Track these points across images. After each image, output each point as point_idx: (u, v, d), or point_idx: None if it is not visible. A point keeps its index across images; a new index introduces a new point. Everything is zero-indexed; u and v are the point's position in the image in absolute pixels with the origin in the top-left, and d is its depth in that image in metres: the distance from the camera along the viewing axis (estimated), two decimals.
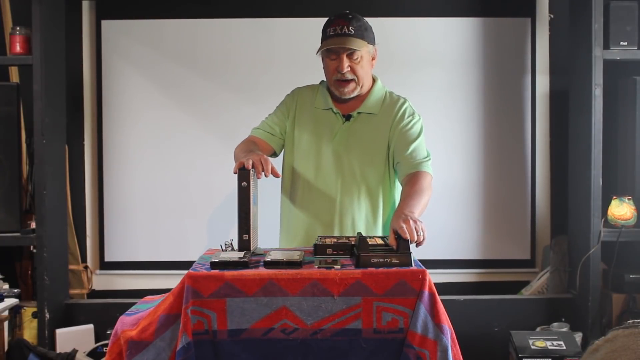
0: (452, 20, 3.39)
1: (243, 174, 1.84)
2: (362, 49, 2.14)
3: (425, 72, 3.38)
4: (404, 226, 1.73)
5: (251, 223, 1.83)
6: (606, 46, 2.98)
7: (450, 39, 3.39)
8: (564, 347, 2.70)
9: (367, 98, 2.23)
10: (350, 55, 2.13)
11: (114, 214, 3.39)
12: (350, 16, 2.16)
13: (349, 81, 2.15)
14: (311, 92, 2.30)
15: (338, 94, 2.19)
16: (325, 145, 2.21)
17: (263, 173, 1.88)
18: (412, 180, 2.10)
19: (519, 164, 3.40)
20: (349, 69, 2.13)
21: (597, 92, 2.97)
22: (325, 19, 2.17)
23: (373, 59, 2.23)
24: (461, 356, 1.63)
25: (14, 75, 3.27)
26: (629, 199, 2.97)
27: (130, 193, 3.39)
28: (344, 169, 2.20)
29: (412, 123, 2.21)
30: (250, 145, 2.16)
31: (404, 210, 1.90)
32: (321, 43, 2.18)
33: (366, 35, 2.17)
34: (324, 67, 2.23)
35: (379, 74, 3.32)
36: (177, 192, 3.38)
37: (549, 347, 2.70)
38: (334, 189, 2.20)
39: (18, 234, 2.95)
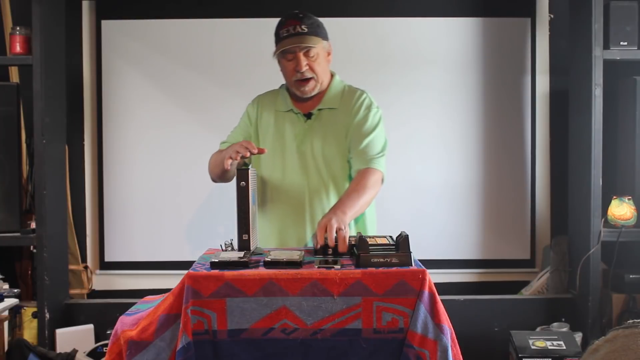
0: (452, 20, 3.39)
1: (242, 173, 1.84)
2: (318, 46, 2.15)
3: (425, 72, 3.38)
4: (326, 232, 1.79)
5: (250, 223, 1.83)
6: (606, 46, 2.98)
7: (450, 39, 3.39)
8: (564, 347, 2.70)
9: (326, 94, 2.24)
10: (306, 54, 2.14)
11: (114, 214, 3.39)
12: (301, 15, 2.17)
13: (308, 80, 2.16)
14: (272, 96, 2.32)
15: (299, 94, 2.20)
16: (289, 146, 2.22)
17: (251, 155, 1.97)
18: (358, 178, 2.10)
19: (519, 164, 3.40)
20: (307, 67, 2.14)
21: (597, 92, 2.96)
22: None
23: (329, 54, 2.24)
24: (461, 356, 1.63)
25: (14, 75, 3.27)
26: (629, 199, 2.97)
27: (130, 193, 3.39)
28: (309, 168, 2.20)
29: (368, 116, 2.20)
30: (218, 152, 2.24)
31: (337, 210, 1.93)
32: (275, 46, 2.19)
33: (319, 31, 2.18)
34: (281, 70, 2.23)
35: (379, 74, 3.36)
36: (177, 192, 3.38)
37: (549, 347, 2.70)
38: (302, 189, 2.20)
39: (18, 234, 2.95)
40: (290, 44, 2.12)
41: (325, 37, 2.21)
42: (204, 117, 3.38)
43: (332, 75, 2.28)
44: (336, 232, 1.78)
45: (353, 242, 1.81)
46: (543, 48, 3.41)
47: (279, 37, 2.18)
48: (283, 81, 2.41)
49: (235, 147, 1.97)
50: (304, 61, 2.14)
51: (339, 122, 2.21)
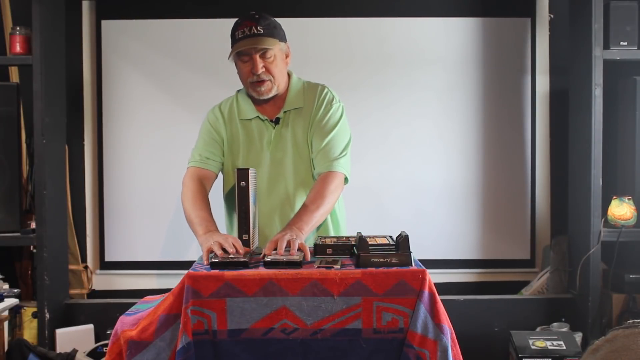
0: (452, 20, 3.39)
1: (242, 173, 1.84)
2: (274, 48, 2.10)
3: (425, 72, 3.38)
4: (277, 246, 1.73)
5: (251, 222, 1.83)
6: (606, 46, 2.98)
7: (450, 39, 3.39)
8: (564, 347, 2.70)
9: (288, 95, 2.19)
10: (263, 56, 2.09)
11: (114, 214, 3.39)
12: (257, 16, 2.12)
13: (264, 81, 2.11)
14: (231, 105, 2.25)
15: (256, 95, 2.14)
16: (262, 155, 2.17)
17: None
18: (318, 185, 2.06)
19: (519, 164, 3.40)
20: (264, 69, 2.09)
21: (597, 92, 2.97)
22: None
23: (287, 56, 2.19)
24: (461, 356, 1.63)
25: (14, 75, 3.28)
26: (629, 199, 2.97)
27: (130, 193, 3.39)
28: (286, 174, 2.16)
29: (330, 112, 2.16)
30: (200, 212, 2.04)
31: (292, 226, 1.88)
32: (231, 47, 2.14)
33: (276, 33, 2.13)
34: (238, 72, 2.18)
35: (379, 74, 3.36)
36: (177, 191, 3.34)
37: (549, 347, 2.70)
38: (282, 197, 2.16)
39: (18, 234, 2.95)
40: (245, 46, 2.07)
41: (282, 38, 2.16)
42: (203, 117, 3.37)
43: (289, 76, 2.23)
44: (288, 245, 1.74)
45: (353, 242, 1.81)
46: (543, 48, 3.41)
47: (234, 39, 2.13)
48: None
49: (222, 242, 1.78)
50: (260, 63, 2.08)
51: (306, 120, 2.18)
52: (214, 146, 2.22)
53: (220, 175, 2.29)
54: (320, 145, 2.12)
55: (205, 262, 1.73)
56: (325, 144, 2.12)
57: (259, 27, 2.09)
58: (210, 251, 1.75)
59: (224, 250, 1.73)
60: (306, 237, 1.90)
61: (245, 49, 2.07)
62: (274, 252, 1.72)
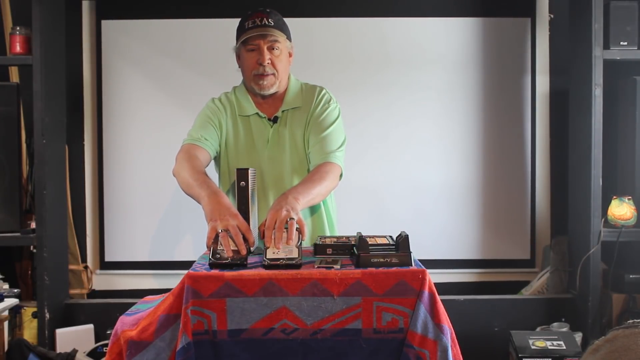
0: (452, 20, 3.39)
1: (242, 173, 1.83)
2: (282, 42, 2.11)
3: (425, 72, 3.38)
4: (271, 225, 1.67)
5: (250, 222, 1.83)
6: (606, 46, 2.98)
7: (450, 39, 3.39)
8: (564, 347, 2.70)
9: (287, 94, 2.19)
10: (270, 48, 2.09)
11: (114, 214, 3.39)
12: (268, 10, 2.13)
13: (268, 75, 2.11)
14: (230, 100, 2.23)
15: (257, 89, 2.14)
16: (260, 154, 2.16)
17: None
18: (316, 169, 2.04)
19: (519, 164, 3.41)
20: (270, 61, 2.10)
21: (597, 92, 2.97)
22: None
23: (290, 55, 2.20)
24: (461, 356, 1.63)
25: (14, 75, 3.28)
26: (629, 199, 2.97)
27: (130, 193, 3.39)
28: (284, 172, 2.16)
29: (327, 111, 2.17)
30: (199, 175, 1.93)
31: (288, 195, 1.82)
32: (238, 38, 2.13)
33: (285, 29, 2.15)
34: (241, 65, 2.17)
35: (379, 74, 3.36)
36: (177, 191, 3.36)
37: (549, 347, 2.70)
38: (278, 195, 2.13)
39: (18, 234, 2.95)
40: (255, 32, 2.07)
41: (289, 36, 2.17)
42: None
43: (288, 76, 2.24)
44: (286, 223, 1.69)
45: (353, 242, 1.81)
46: (543, 48, 3.41)
47: (243, 28, 2.11)
48: None
49: (231, 231, 1.67)
50: (267, 54, 2.09)
51: (304, 119, 2.18)
52: (212, 131, 2.17)
53: (217, 174, 2.28)
54: (317, 140, 2.12)
55: (209, 243, 1.67)
56: (321, 139, 2.12)
57: (269, 20, 2.10)
58: (215, 233, 1.67)
59: (232, 243, 1.67)
60: (302, 208, 1.83)
61: (255, 35, 2.08)
62: (274, 245, 1.68)
